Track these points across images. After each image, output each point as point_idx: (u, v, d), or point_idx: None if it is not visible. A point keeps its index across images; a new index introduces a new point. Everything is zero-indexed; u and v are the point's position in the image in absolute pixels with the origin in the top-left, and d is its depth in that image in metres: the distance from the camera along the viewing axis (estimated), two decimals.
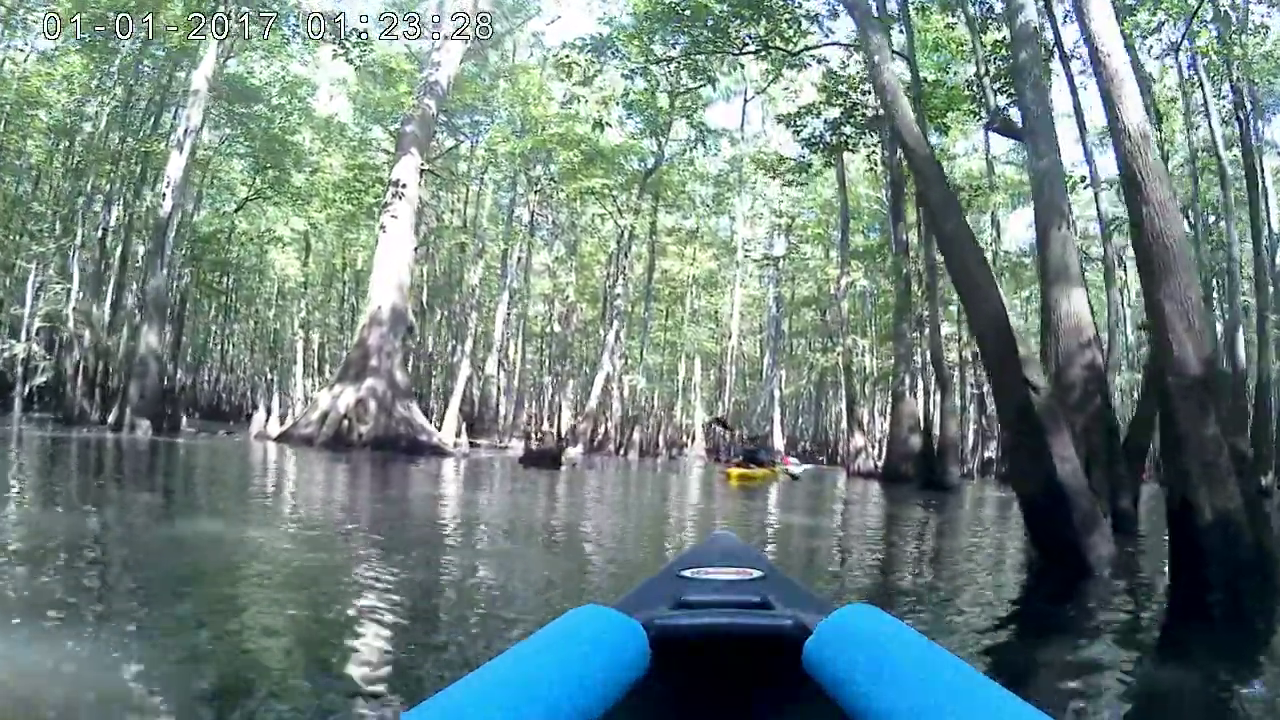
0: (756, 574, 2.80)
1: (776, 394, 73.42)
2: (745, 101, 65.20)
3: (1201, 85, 32.63)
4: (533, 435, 45.80)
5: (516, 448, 45.06)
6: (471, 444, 51.98)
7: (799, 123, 39.20)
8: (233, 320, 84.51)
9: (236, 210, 65.43)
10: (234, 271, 76.94)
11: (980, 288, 12.68)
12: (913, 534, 17.54)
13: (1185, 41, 32.68)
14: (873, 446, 53.63)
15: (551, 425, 67.03)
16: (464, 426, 58.26)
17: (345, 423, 38.71)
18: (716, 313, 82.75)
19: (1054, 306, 17.62)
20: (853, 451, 48.79)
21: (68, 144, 51.72)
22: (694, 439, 73.42)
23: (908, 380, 39.53)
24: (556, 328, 75.02)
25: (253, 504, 15.63)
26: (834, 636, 1.94)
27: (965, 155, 55.73)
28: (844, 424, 62.67)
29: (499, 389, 69.44)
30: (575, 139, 54.92)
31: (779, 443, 64.84)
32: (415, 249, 50.51)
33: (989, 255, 56.41)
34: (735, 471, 34.33)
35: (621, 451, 59.33)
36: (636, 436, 62.06)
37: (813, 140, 39.11)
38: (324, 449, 36.36)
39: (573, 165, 56.41)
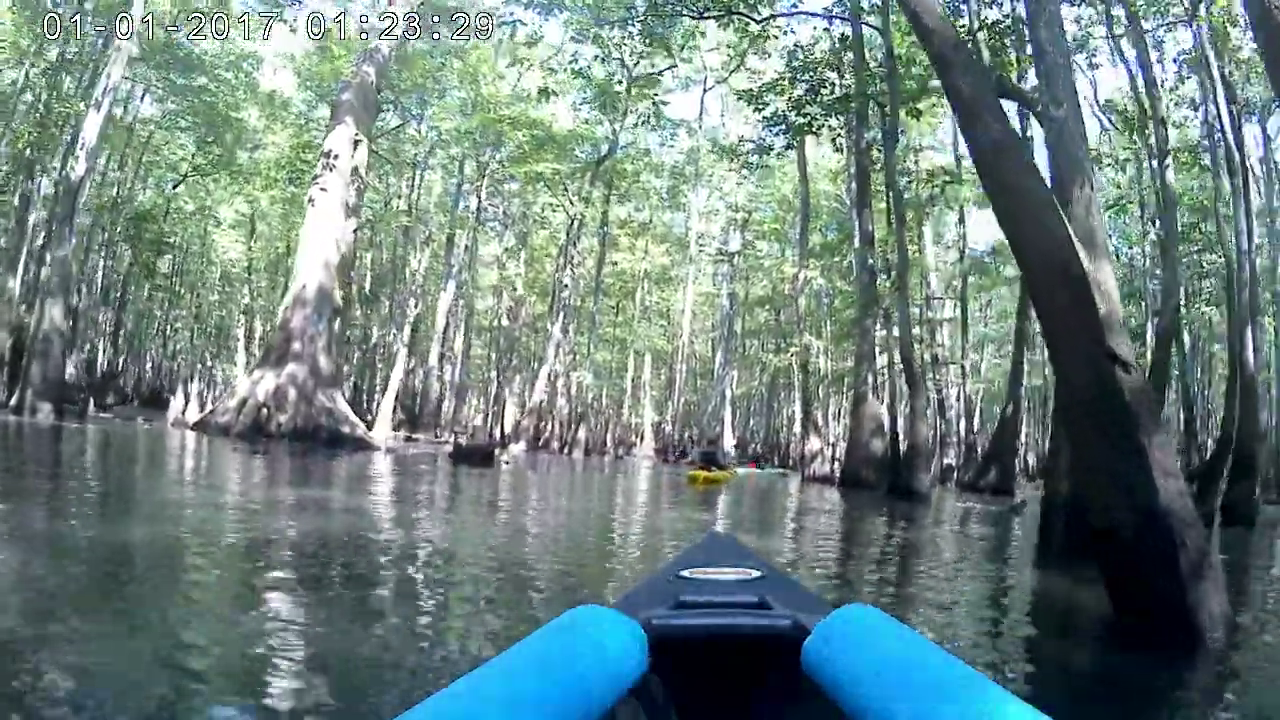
0: (755, 574, 2.80)
1: (728, 394, 70.01)
2: (704, 91, 61.35)
3: (1207, 64, 28.71)
4: (465, 431, 41.69)
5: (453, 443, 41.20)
6: (409, 438, 48.58)
7: (761, 100, 35.46)
8: (177, 305, 79.99)
9: (175, 187, 61.61)
10: (178, 254, 74.19)
11: (1034, 216, 8.75)
12: (899, 563, 13.29)
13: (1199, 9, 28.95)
14: (827, 449, 49.81)
15: (497, 421, 64.23)
16: (403, 420, 55.23)
17: (264, 411, 34.75)
18: (668, 310, 78.91)
19: None
20: (808, 455, 45.08)
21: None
22: (643, 439, 70.44)
23: (870, 380, 35.72)
24: (505, 321, 70.77)
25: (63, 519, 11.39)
26: (832, 637, 1.92)
27: (935, 149, 51.78)
28: (798, 426, 59.87)
29: (442, 382, 65.41)
30: (526, 120, 51.55)
31: (729, 444, 61.40)
32: (355, 230, 46.95)
33: (956, 254, 54.00)
34: (701, 474, 32.22)
35: (566, 450, 55.67)
36: (582, 435, 58.56)
37: (775, 119, 35.35)
38: (240, 439, 32.43)
39: (523, 149, 52.62)
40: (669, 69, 56.40)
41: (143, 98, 55.37)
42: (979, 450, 50.10)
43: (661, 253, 70.69)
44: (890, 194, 33.70)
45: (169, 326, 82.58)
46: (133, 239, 60.09)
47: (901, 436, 31.45)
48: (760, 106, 35.64)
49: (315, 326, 36.77)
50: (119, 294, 66.10)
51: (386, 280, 66.94)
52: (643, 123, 55.98)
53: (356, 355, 68.48)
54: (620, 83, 52.39)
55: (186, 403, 41.68)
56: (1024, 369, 43.33)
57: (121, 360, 70.94)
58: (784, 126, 35.71)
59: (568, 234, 58.55)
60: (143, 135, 57.86)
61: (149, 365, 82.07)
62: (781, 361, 70.38)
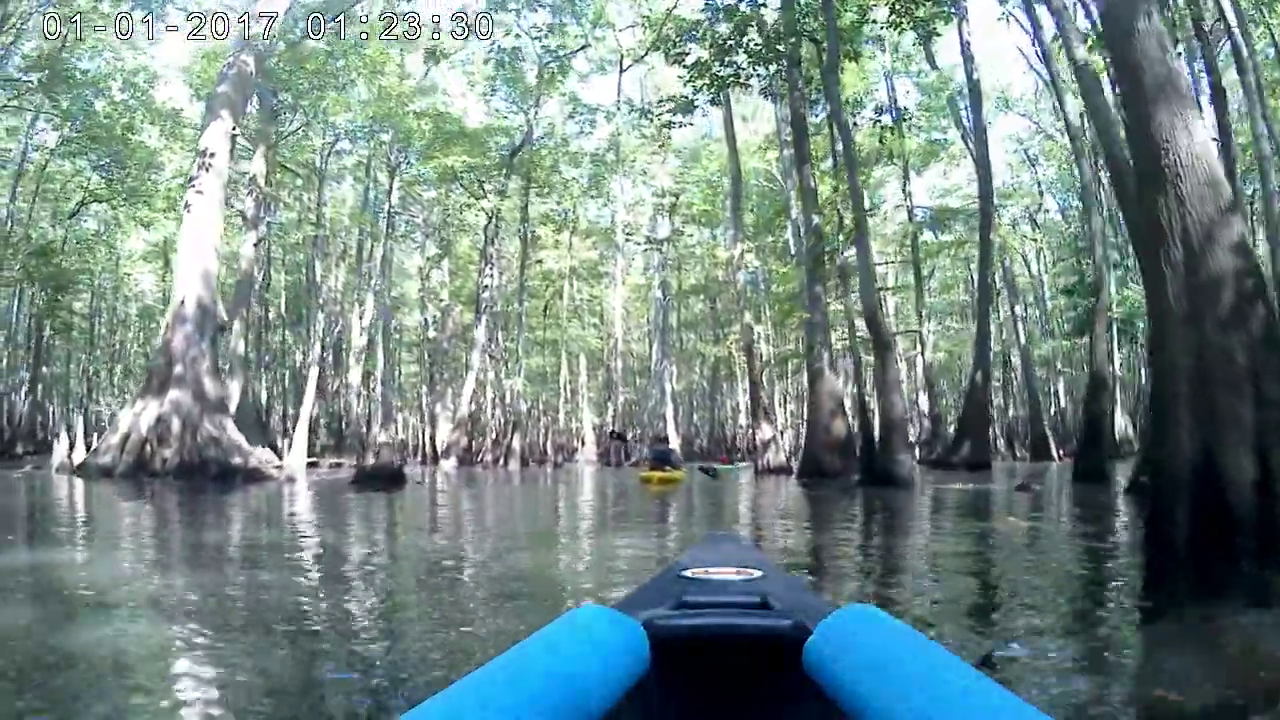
0: (757, 574, 2.64)
1: (668, 388, 64.72)
2: (621, 71, 56.37)
3: None
4: (368, 450, 36.19)
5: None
6: (335, 464, 43.65)
7: (680, 50, 30.64)
8: (96, 346, 75.08)
9: (71, 217, 56.06)
10: (97, 293, 70.83)
11: None
12: (963, 614, 7.39)
13: None
14: (780, 437, 44.78)
15: (431, 438, 59.84)
16: (327, 444, 51.09)
17: (147, 447, 29.26)
18: (601, 308, 74.44)
19: (1166, 146, 9.09)
20: (760, 445, 39.68)
21: None
22: (584, 443, 65.91)
23: (826, 354, 30.45)
24: (431, 334, 65.71)
25: None
26: (833, 637, 1.85)
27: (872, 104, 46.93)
28: (745, 416, 55.89)
29: (370, 401, 60.45)
30: (433, 112, 47.97)
31: (674, 441, 56.86)
32: (257, 244, 42.36)
33: (904, 213, 49.48)
34: (656, 475, 29.48)
35: (501, 462, 50.79)
36: (517, 444, 53.57)
37: (698, 68, 30.38)
38: (123, 480, 27.30)
39: (427, 138, 48.20)
40: (582, 49, 52.38)
41: (33, 122, 50.32)
42: (944, 424, 46.47)
43: (588, 247, 66.60)
44: (836, 133, 28.69)
45: (91, 368, 77.87)
46: (32, 277, 54.93)
47: (871, 413, 26.35)
48: (680, 57, 30.81)
49: (198, 347, 31.20)
50: (35, 338, 61.43)
51: (305, 300, 61.28)
52: (552, 76, 51.79)
53: (285, 378, 64.47)
54: (518, 35, 48.28)
55: (72, 445, 36.28)
56: (990, 331, 39.01)
57: (47, 406, 66.28)
58: (708, 79, 30.83)
59: (485, 232, 54.11)
60: (38, 164, 53.31)
61: (74, 409, 77.00)
62: (722, 351, 66.49)
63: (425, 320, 67.91)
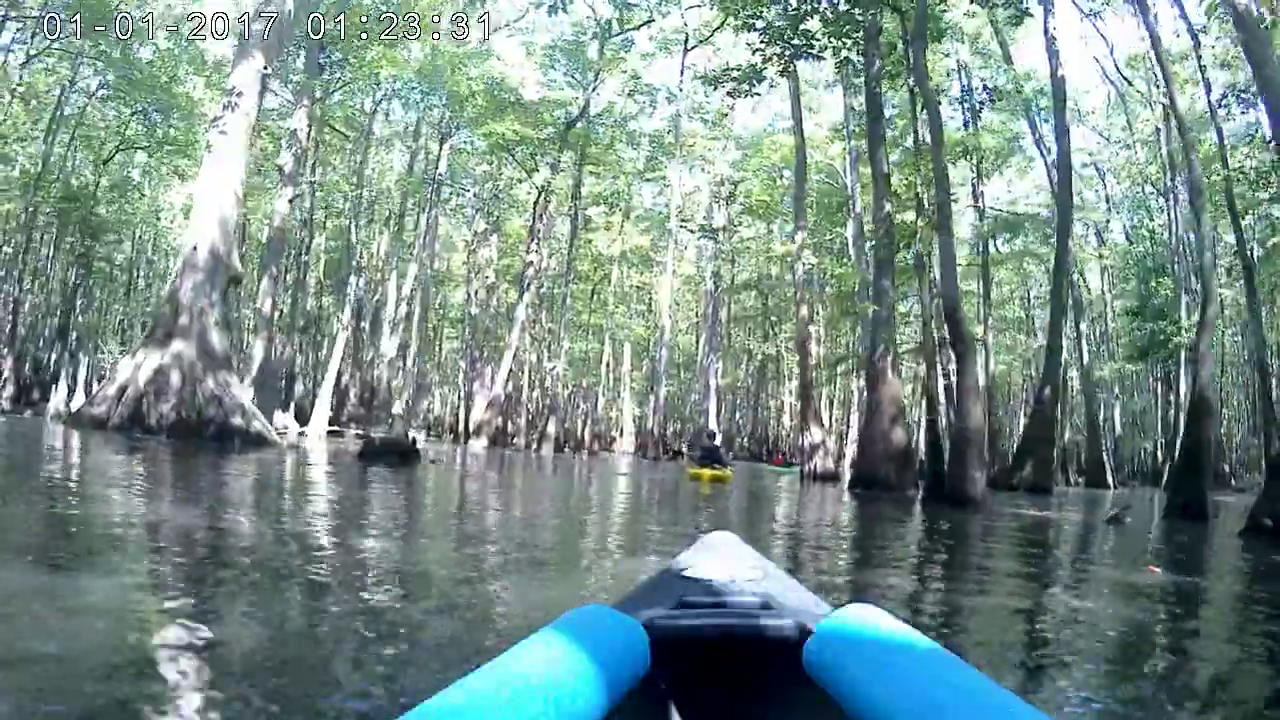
0: (757, 574, 2.57)
1: (713, 384, 61.54)
2: (685, 52, 53.32)
3: None
4: (385, 422, 33.29)
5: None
6: (358, 435, 41.41)
7: (750, 14, 27.60)
8: (133, 298, 73.78)
9: (105, 162, 54.02)
10: (137, 244, 70.94)
11: None
12: None
13: None
14: (830, 441, 41.74)
15: (467, 416, 57.91)
16: (355, 414, 50.43)
17: (145, 400, 26.59)
18: (650, 297, 72.26)
19: None
20: (808, 449, 36.41)
21: None
22: (622, 433, 63.90)
23: (890, 355, 27.22)
24: (474, 310, 63.16)
25: None
26: (833, 636, 1.86)
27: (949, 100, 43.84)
28: (789, 417, 53.46)
29: (404, 372, 58.00)
30: (487, 77, 46.63)
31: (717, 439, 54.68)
32: (292, 201, 40.62)
33: (973, 212, 46.28)
34: (707, 472, 29.02)
35: (535, 446, 48.34)
36: (552, 429, 51.13)
37: (771, 31, 27.43)
38: (113, 433, 25.03)
39: (480, 105, 46.42)
40: (646, 23, 50.21)
41: (76, 67, 48.17)
42: (1002, 441, 43.81)
43: (640, 231, 64.25)
44: (920, 106, 25.61)
45: (125, 319, 76.11)
46: (63, 221, 53.02)
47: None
48: (749, 20, 27.84)
49: (207, 298, 28.43)
50: (71, 286, 59.63)
51: (345, 264, 59.31)
52: (606, 35, 49.37)
53: (324, 345, 62.52)
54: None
55: (71, 393, 34.01)
56: (1061, 345, 35.98)
57: (80, 355, 64.76)
58: (779, 48, 27.95)
59: (535, 207, 51.51)
60: (78, 109, 51.88)
61: (100, 357, 75.45)
62: (770, 349, 64.03)
63: (469, 295, 65.68)
